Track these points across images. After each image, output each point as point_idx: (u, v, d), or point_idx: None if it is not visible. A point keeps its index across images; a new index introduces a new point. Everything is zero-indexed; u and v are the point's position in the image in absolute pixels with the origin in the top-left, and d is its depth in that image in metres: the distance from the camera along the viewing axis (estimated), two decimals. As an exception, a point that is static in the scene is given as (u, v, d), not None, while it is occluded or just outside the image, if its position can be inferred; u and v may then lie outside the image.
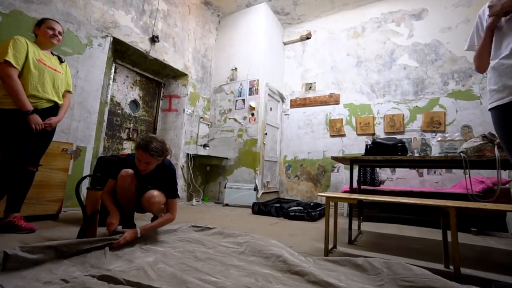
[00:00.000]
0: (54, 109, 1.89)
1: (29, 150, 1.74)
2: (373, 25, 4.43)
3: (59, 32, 1.92)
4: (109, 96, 3.57)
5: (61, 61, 2.00)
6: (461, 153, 1.73)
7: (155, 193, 1.66)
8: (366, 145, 2.42)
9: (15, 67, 1.65)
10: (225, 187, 4.08)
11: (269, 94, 4.67)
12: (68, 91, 2.05)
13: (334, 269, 1.25)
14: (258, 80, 4.46)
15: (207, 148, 4.69)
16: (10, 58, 1.62)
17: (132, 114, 4.00)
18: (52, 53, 1.97)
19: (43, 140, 1.87)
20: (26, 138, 1.70)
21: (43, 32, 1.85)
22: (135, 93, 4.05)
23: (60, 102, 1.94)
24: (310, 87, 4.86)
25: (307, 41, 5.05)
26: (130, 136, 3.94)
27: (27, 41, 1.76)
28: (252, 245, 1.49)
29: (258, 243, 1.51)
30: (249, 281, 1.06)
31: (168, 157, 1.75)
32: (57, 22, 1.93)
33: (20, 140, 1.68)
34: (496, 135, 1.57)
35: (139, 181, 1.70)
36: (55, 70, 1.89)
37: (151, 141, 1.59)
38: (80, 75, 2.86)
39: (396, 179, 3.79)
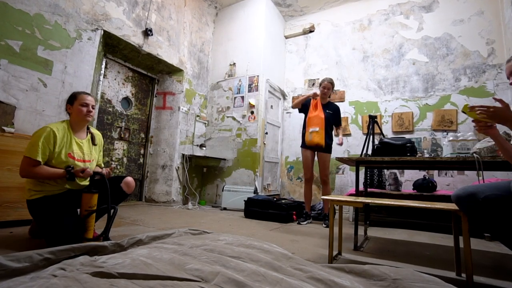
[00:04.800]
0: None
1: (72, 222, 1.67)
2: (380, 17, 4.43)
3: (92, 106, 1.84)
4: (99, 93, 3.57)
5: (93, 140, 1.92)
6: (474, 154, 1.73)
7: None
8: (373, 145, 2.43)
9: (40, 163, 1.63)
10: (223, 190, 4.08)
11: (269, 91, 4.67)
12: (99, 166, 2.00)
13: (339, 275, 1.25)
14: (258, 76, 4.46)
15: (204, 148, 4.69)
16: (38, 157, 1.60)
17: (124, 112, 4.00)
18: (87, 128, 1.92)
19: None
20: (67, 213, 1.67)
21: (77, 111, 1.78)
22: (127, 90, 4.05)
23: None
24: (313, 84, 4.86)
25: (310, 34, 5.06)
26: (122, 135, 3.94)
27: (56, 133, 1.67)
28: (252, 242, 1.52)
29: (258, 241, 1.54)
30: (250, 268, 1.08)
31: None
32: (88, 94, 1.86)
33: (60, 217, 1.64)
34: None
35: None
36: (84, 161, 1.82)
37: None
38: (68, 71, 2.86)
39: (404, 181, 3.79)
